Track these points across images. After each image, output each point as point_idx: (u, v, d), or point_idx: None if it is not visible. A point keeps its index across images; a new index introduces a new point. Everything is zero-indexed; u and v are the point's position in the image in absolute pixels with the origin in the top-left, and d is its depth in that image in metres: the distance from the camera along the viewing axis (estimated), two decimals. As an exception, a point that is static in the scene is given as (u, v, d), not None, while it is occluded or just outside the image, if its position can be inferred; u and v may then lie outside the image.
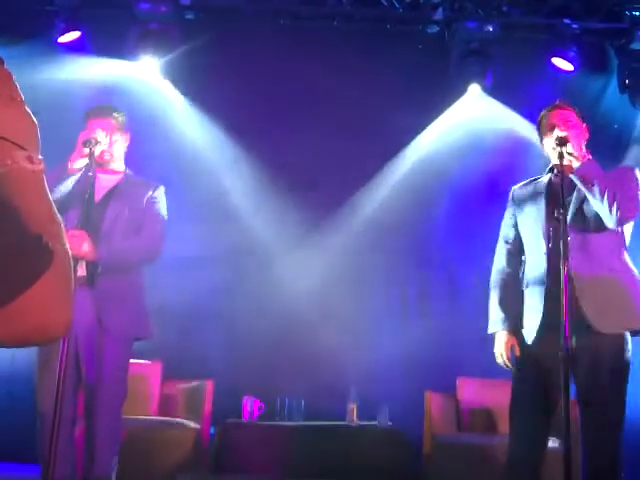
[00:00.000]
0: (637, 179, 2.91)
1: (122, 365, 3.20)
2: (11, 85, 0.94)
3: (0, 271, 0.77)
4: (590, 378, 2.75)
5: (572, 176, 2.83)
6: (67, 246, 0.87)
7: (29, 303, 0.78)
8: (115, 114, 3.33)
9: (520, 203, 3.08)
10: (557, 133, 2.85)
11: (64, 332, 0.84)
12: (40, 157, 0.92)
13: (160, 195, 3.38)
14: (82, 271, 3.10)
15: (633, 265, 2.92)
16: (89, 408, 3.13)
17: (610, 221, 2.81)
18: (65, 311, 0.83)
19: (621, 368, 2.79)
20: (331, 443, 4.27)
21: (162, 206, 3.37)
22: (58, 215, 0.91)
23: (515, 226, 3.09)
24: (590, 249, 2.83)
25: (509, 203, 3.16)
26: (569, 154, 2.80)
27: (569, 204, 2.86)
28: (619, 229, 2.89)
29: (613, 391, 2.76)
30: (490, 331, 3.04)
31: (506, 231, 3.13)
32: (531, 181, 3.18)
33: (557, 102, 3.08)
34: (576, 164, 2.82)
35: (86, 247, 3.02)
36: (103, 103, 3.45)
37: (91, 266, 3.12)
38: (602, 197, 2.76)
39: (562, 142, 2.81)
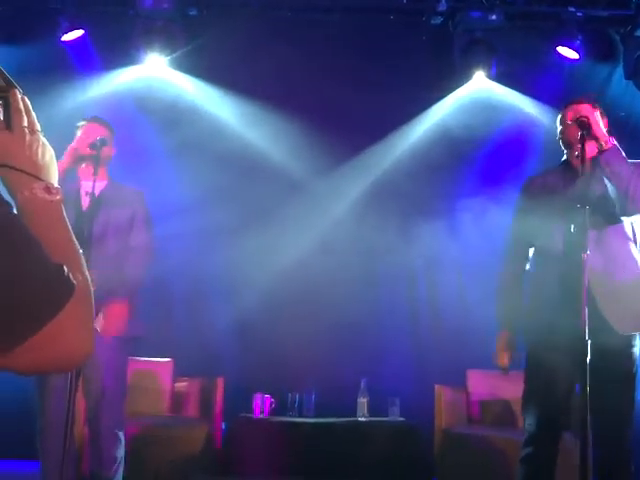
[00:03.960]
0: None
1: (122, 367, 3.25)
2: (32, 116, 0.96)
3: (23, 302, 0.77)
4: (602, 377, 2.73)
5: (596, 161, 2.77)
6: (87, 275, 0.88)
7: (51, 333, 0.79)
8: (109, 125, 3.38)
9: (534, 198, 3.00)
10: (578, 115, 2.79)
11: (84, 361, 0.85)
12: (57, 186, 0.94)
13: (144, 200, 3.44)
14: None
15: None
16: (92, 410, 3.16)
17: (628, 210, 2.77)
18: (86, 340, 0.84)
19: (632, 367, 2.79)
20: (342, 438, 4.28)
21: (148, 211, 3.44)
22: (77, 244, 0.92)
23: (528, 222, 3.00)
24: (604, 245, 2.79)
25: (520, 198, 3.09)
26: (594, 137, 2.74)
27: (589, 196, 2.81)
28: (632, 224, 2.87)
29: (625, 390, 2.76)
30: (501, 330, 3.03)
31: (518, 228, 3.05)
32: (543, 174, 3.12)
33: (581, 97, 3.03)
34: (598, 148, 2.76)
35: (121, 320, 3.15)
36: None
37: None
38: (625, 186, 2.72)
39: (583, 125, 2.74)
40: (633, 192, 2.73)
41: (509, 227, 3.13)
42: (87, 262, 2.88)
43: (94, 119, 3.36)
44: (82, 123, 3.33)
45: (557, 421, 2.86)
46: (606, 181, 2.78)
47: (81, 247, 2.92)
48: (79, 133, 3.29)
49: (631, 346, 2.80)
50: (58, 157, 1.00)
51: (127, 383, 3.30)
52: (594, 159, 2.80)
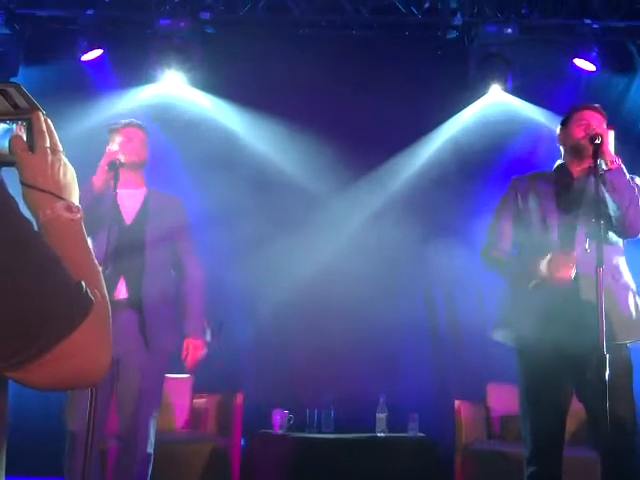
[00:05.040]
0: None
1: (161, 381, 3.26)
2: (54, 137, 0.99)
3: (43, 317, 0.78)
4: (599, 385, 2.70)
5: (602, 178, 2.76)
6: (105, 292, 0.90)
7: (69, 349, 0.80)
8: (144, 129, 3.37)
9: (523, 197, 2.98)
10: (593, 130, 2.78)
11: (102, 377, 0.86)
12: (78, 205, 0.98)
13: (184, 208, 3.45)
14: (124, 293, 3.13)
15: (630, 275, 2.90)
16: (125, 423, 3.15)
17: (622, 233, 2.80)
18: (103, 356, 0.85)
19: (629, 374, 2.79)
20: (361, 454, 4.26)
21: (189, 219, 3.46)
22: (96, 261, 0.94)
23: (514, 217, 3.00)
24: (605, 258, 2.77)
25: (508, 194, 3.04)
26: (601, 153, 2.74)
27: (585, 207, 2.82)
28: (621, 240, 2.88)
29: (626, 398, 2.74)
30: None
31: (502, 221, 3.03)
32: (535, 175, 3.08)
33: (595, 104, 2.99)
34: (603, 166, 2.77)
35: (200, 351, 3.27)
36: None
37: (137, 290, 3.15)
38: (625, 208, 2.73)
39: (597, 139, 2.73)
40: (632, 216, 2.72)
41: (492, 219, 3.09)
42: (141, 272, 2.91)
43: (131, 123, 3.32)
44: (117, 127, 3.29)
45: (558, 436, 2.83)
46: (609, 201, 2.77)
47: (134, 257, 2.92)
48: (120, 139, 3.24)
49: (626, 355, 2.79)
50: (79, 176, 1.03)
51: (161, 401, 3.30)
52: (596, 175, 2.76)
